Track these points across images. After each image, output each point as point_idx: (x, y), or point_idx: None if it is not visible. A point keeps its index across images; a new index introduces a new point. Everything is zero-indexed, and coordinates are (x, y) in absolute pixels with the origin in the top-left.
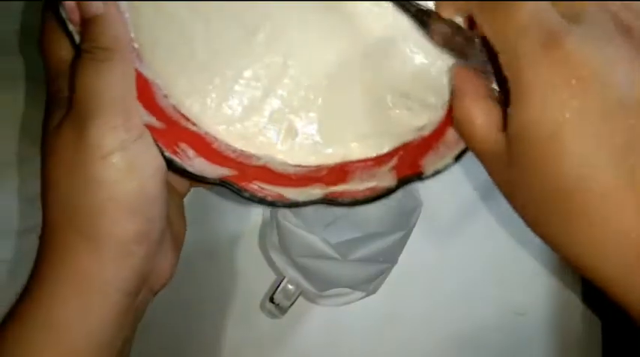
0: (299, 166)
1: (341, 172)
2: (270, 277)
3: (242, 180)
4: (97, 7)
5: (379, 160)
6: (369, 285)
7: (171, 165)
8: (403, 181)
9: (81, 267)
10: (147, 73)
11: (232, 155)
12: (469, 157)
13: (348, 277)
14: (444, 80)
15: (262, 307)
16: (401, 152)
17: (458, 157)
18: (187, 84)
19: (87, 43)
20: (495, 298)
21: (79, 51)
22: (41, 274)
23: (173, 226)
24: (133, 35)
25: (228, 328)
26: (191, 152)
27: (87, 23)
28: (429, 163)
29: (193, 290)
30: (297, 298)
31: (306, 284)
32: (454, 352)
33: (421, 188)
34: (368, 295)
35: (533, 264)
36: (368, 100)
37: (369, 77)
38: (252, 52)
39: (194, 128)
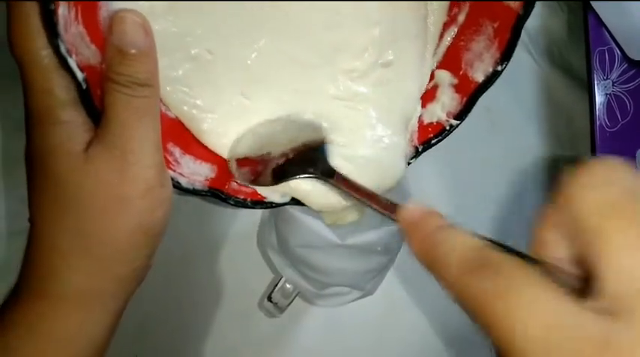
0: None
1: None
2: (269, 277)
3: (223, 179)
4: (142, 42)
5: None
6: (367, 283)
7: None
8: None
9: (87, 285)
10: None
11: None
12: (467, 159)
13: (347, 269)
14: None
15: (260, 306)
16: None
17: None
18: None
19: (122, 76)
20: None
21: (84, 83)
22: (40, 288)
23: None
24: None
25: (227, 326)
26: (177, 151)
27: (124, 56)
28: None
29: (192, 289)
30: (295, 297)
31: (304, 283)
32: (453, 352)
33: (421, 189)
34: (365, 295)
35: None
36: None
37: None
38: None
39: (170, 114)
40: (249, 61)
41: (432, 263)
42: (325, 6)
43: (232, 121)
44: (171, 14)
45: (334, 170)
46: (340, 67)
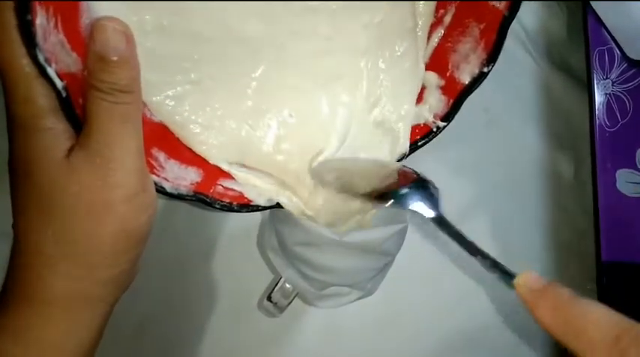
0: None
1: None
2: (268, 277)
3: (209, 183)
4: (123, 49)
5: None
6: (367, 283)
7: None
8: None
9: (72, 290)
10: None
11: None
12: (467, 160)
13: (346, 267)
14: None
15: (260, 305)
16: None
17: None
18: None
19: (104, 83)
20: (495, 298)
21: (64, 92)
22: (26, 295)
23: None
24: None
25: (226, 326)
26: (162, 156)
27: (106, 63)
28: None
29: (191, 289)
30: (294, 297)
31: (303, 284)
32: (453, 353)
33: None
34: (365, 295)
35: (533, 264)
36: None
37: None
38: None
39: (155, 119)
40: (249, 90)
41: (567, 334)
42: (315, 32)
43: (232, 141)
44: (163, 35)
45: (444, 218)
46: (336, 93)
